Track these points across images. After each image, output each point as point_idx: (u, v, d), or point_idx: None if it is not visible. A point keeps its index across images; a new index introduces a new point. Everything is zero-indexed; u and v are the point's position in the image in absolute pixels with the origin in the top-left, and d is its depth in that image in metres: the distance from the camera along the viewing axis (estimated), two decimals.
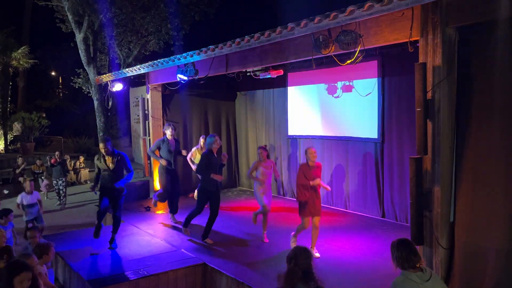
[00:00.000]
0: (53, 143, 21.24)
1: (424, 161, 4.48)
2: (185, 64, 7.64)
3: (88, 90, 17.22)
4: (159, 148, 8.12)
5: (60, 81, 29.27)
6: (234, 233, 7.41)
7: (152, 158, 9.60)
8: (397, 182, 7.78)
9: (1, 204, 8.68)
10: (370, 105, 8.11)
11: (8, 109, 20.02)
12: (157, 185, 9.84)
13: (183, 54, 7.59)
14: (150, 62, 8.86)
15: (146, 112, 10.39)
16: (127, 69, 10.01)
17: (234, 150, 11.66)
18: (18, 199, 7.91)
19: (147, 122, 10.44)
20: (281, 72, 8.83)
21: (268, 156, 6.97)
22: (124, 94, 17.92)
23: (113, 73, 10.70)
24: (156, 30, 16.87)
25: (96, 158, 6.79)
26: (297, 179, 6.17)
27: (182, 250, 6.63)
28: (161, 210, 9.16)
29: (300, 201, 6.10)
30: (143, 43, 17.40)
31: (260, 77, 8.98)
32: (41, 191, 13.06)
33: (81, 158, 16.03)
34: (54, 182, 11.89)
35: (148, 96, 10.31)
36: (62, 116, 24.05)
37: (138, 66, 9.38)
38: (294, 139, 9.95)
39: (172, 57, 7.98)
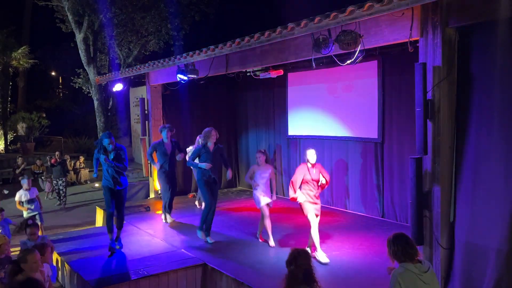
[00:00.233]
0: (53, 143, 21.25)
1: (424, 161, 4.48)
2: (185, 64, 7.64)
3: (88, 90, 17.23)
4: (155, 150, 8.11)
5: (60, 81, 29.26)
6: (234, 233, 7.40)
7: (150, 155, 9.60)
8: (397, 182, 7.77)
9: (1, 204, 8.71)
10: (370, 105, 8.11)
11: (8, 109, 20.03)
12: (157, 185, 9.85)
13: (183, 54, 7.60)
14: (150, 62, 8.87)
15: (146, 112, 10.39)
16: (127, 69, 10.02)
17: (234, 150, 11.66)
18: (17, 196, 7.95)
19: (146, 122, 10.44)
20: (281, 72, 8.83)
21: (266, 161, 6.86)
22: (124, 94, 17.90)
23: (113, 73, 10.70)
24: (156, 30, 16.87)
25: (96, 151, 6.65)
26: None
27: (182, 250, 6.62)
28: (160, 211, 9.15)
29: (300, 203, 6.08)
30: (143, 43, 17.40)
31: (260, 77, 8.97)
32: (45, 191, 13.07)
33: (81, 158, 16.04)
34: (54, 182, 11.90)
35: (148, 96, 10.31)
36: (62, 116, 24.05)
37: (138, 66, 9.38)
38: (294, 139, 9.95)
39: (172, 57, 7.98)
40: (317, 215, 6.05)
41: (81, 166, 15.83)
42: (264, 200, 6.65)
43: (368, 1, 4.19)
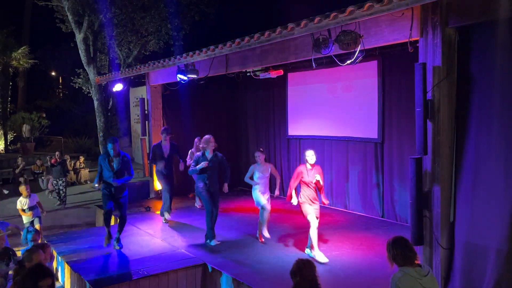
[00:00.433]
0: (53, 143, 21.25)
1: (424, 161, 4.48)
2: (185, 64, 7.63)
3: (88, 90, 17.20)
4: (155, 153, 8.12)
5: (60, 81, 29.26)
6: (234, 233, 7.40)
7: (153, 164, 9.59)
8: (397, 182, 7.77)
9: (1, 204, 8.69)
10: (370, 105, 8.11)
11: (8, 109, 20.02)
12: (157, 185, 9.85)
13: (183, 54, 7.59)
14: (150, 62, 8.86)
15: (146, 112, 10.38)
16: (127, 69, 10.01)
17: (235, 150, 11.65)
18: (18, 205, 7.87)
19: (146, 122, 10.44)
20: (281, 72, 8.83)
21: (266, 160, 6.91)
22: (124, 94, 17.91)
23: (113, 73, 10.70)
24: (156, 30, 16.85)
25: (101, 158, 6.73)
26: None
27: (182, 250, 6.63)
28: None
29: (299, 204, 6.10)
30: (143, 43, 17.38)
31: (260, 77, 8.97)
32: (48, 189, 13.06)
33: (81, 158, 16.04)
34: (54, 182, 11.90)
35: (148, 96, 10.31)
36: (62, 116, 24.05)
37: (138, 66, 9.38)
38: (294, 139, 9.95)
39: (172, 57, 7.98)
40: (317, 217, 6.06)
41: (81, 166, 15.83)
42: (263, 199, 6.71)
43: (368, 1, 4.19)
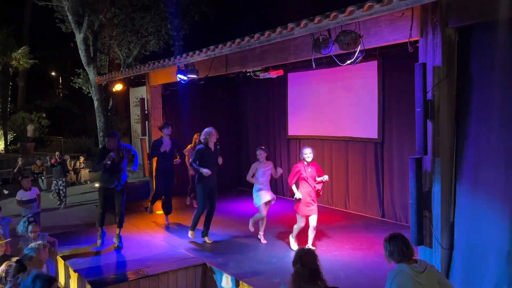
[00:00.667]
0: (53, 143, 21.25)
1: (424, 161, 4.48)
2: (185, 64, 7.64)
3: (88, 90, 17.21)
4: (156, 148, 8.10)
5: (60, 81, 29.27)
6: (234, 233, 7.41)
7: (152, 159, 9.59)
8: (397, 182, 7.77)
9: (1, 204, 8.69)
10: (370, 105, 8.11)
11: (8, 109, 20.02)
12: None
13: (183, 54, 7.59)
14: (150, 62, 8.86)
15: (146, 112, 10.38)
16: (127, 69, 10.01)
17: (235, 151, 11.65)
18: (18, 196, 7.94)
19: (146, 122, 10.43)
20: (281, 72, 8.83)
21: (267, 158, 6.91)
22: (124, 94, 17.90)
23: (113, 73, 10.70)
24: (156, 30, 16.86)
25: (101, 148, 6.77)
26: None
27: (182, 250, 6.63)
28: (160, 211, 9.14)
29: (295, 199, 6.13)
30: (143, 43, 17.38)
31: (260, 77, 8.97)
32: (51, 191, 13.01)
33: (81, 158, 16.03)
34: (54, 182, 11.89)
35: (148, 96, 10.31)
36: (62, 116, 24.04)
37: (138, 66, 9.38)
38: (294, 139, 9.95)
39: (172, 57, 7.97)
40: (313, 214, 6.15)
41: (81, 166, 15.82)
42: (265, 197, 6.67)
43: (368, 1, 4.19)
